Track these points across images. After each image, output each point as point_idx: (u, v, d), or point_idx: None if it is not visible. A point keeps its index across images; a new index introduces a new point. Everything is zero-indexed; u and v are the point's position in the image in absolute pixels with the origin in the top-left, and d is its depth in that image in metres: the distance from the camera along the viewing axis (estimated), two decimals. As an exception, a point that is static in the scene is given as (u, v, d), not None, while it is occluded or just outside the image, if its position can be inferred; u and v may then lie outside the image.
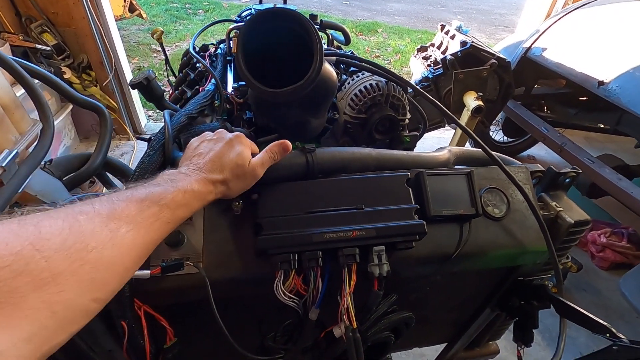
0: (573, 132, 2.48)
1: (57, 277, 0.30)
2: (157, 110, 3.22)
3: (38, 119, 0.58)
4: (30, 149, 0.54)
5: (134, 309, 0.49)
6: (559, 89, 2.37)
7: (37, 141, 0.56)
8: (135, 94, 2.75)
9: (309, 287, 0.52)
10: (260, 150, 0.55)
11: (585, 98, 2.25)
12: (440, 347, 1.00)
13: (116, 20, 2.63)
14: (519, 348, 0.71)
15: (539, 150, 2.96)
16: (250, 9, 1.22)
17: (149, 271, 0.48)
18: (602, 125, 2.25)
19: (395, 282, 0.60)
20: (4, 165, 0.48)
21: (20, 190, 0.51)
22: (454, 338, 0.93)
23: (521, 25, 3.23)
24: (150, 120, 3.05)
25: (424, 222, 0.55)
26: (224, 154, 0.51)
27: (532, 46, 2.11)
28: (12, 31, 2.17)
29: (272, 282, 0.51)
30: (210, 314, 0.51)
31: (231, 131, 0.75)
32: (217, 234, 0.54)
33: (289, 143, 0.55)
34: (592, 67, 1.79)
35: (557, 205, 0.69)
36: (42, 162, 0.60)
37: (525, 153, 2.96)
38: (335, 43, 1.26)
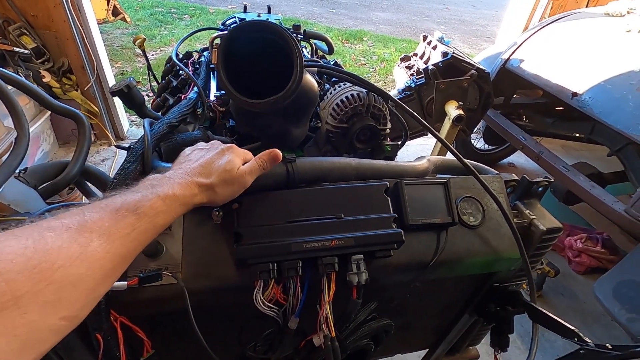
0: (550, 140, 2.56)
1: (19, 300, 0.29)
2: (141, 119, 3.17)
3: (12, 126, 0.57)
4: (4, 158, 0.53)
5: (110, 320, 0.48)
6: (536, 99, 2.45)
7: (11, 149, 0.55)
8: (117, 99, 2.70)
9: (288, 296, 0.52)
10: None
11: (561, 108, 2.34)
12: (422, 353, 1.01)
13: (99, 24, 2.59)
14: (496, 353, 0.72)
15: (519, 158, 3.05)
16: (235, 17, 1.23)
17: (126, 282, 0.47)
18: (577, 134, 2.34)
19: (374, 289, 0.61)
20: (-24, 174, 0.47)
21: (-7, 200, 0.50)
22: (435, 344, 0.94)
23: (501, 36, 3.34)
24: (133, 126, 3.00)
25: (402, 231, 0.56)
26: (213, 160, 0.51)
27: (511, 57, 2.19)
28: (-11, 33, 2.12)
29: (251, 292, 0.51)
30: (189, 324, 0.50)
31: (212, 140, 0.76)
32: (197, 243, 0.54)
33: (279, 152, 0.55)
34: (567, 79, 1.87)
35: (531, 213, 0.72)
36: (17, 171, 0.59)
37: (505, 160, 3.04)
38: (320, 52, 1.28)
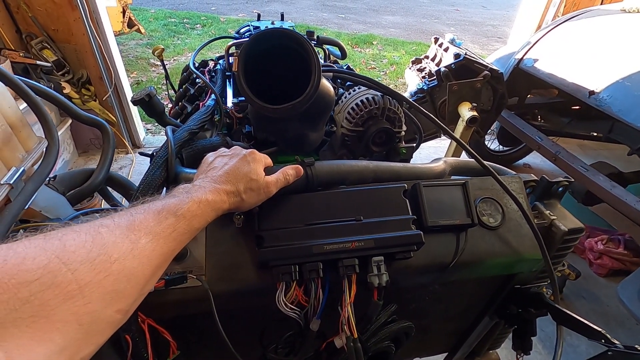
0: (567, 140, 2.51)
1: (83, 289, 0.30)
2: (156, 124, 3.24)
3: (43, 135, 0.60)
4: (35, 166, 0.56)
5: (138, 322, 0.49)
6: (551, 99, 2.41)
7: (42, 158, 0.58)
8: (134, 108, 2.77)
9: (310, 298, 0.53)
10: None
11: (577, 107, 2.30)
12: (441, 357, 1.00)
13: (115, 36, 2.67)
14: (519, 356, 0.71)
15: (535, 159, 3.00)
16: (249, 25, 1.26)
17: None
18: (595, 134, 2.29)
19: (394, 291, 0.61)
20: (11, 182, 0.49)
21: (27, 206, 0.52)
22: (455, 347, 0.93)
23: (513, 36, 3.30)
24: (149, 134, 3.07)
25: (421, 233, 0.56)
26: (238, 167, 0.52)
27: (524, 57, 2.16)
28: (13, 48, 2.20)
29: (273, 294, 0.52)
30: (212, 326, 0.51)
31: (231, 145, 0.77)
32: (220, 247, 0.55)
33: (302, 169, 0.58)
34: (583, 77, 1.83)
35: (551, 213, 0.71)
36: (47, 179, 0.61)
37: (521, 161, 2.99)
38: (332, 57, 1.29)
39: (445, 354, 0.98)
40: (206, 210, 0.46)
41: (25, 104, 0.56)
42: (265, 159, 0.57)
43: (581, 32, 2.08)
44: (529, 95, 2.36)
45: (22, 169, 0.51)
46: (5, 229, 0.49)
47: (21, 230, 0.57)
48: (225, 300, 0.54)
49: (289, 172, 0.56)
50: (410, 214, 0.59)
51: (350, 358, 0.51)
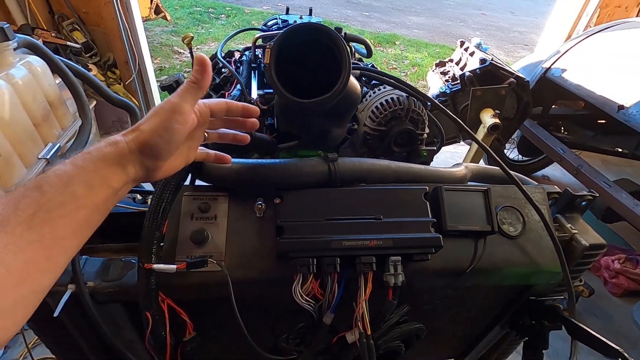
0: (590, 154, 2.45)
1: None
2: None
3: (78, 116, 0.62)
4: (69, 144, 0.58)
5: (158, 301, 0.51)
6: (577, 111, 2.36)
7: (75, 136, 0.60)
8: (156, 94, 2.82)
9: (325, 291, 0.53)
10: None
11: (604, 121, 2.24)
12: (447, 362, 1.00)
13: (143, 21, 2.72)
14: (528, 368, 0.71)
15: (554, 171, 2.93)
16: (277, 18, 1.26)
17: (175, 266, 0.50)
18: (620, 149, 2.22)
19: (408, 292, 0.61)
20: (48, 157, 0.51)
21: (60, 182, 0.54)
22: (463, 353, 0.92)
23: (541, 45, 3.22)
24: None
25: (440, 236, 0.56)
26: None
27: (552, 67, 2.11)
28: (45, 28, 2.27)
29: (289, 285, 0.53)
30: (228, 312, 0.52)
31: (255, 136, 0.78)
32: (240, 235, 0.56)
33: (206, 57, 0.46)
34: (613, 91, 1.78)
35: (573, 227, 0.70)
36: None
37: (539, 173, 2.93)
38: (357, 55, 1.29)
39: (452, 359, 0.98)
40: (87, 165, 0.37)
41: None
42: (203, 105, 0.46)
43: (614, 44, 2.01)
44: (553, 106, 2.31)
45: (58, 145, 0.53)
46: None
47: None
48: (242, 287, 0.55)
49: (193, 73, 0.44)
50: (430, 216, 0.59)
51: (363, 354, 0.52)
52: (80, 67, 0.62)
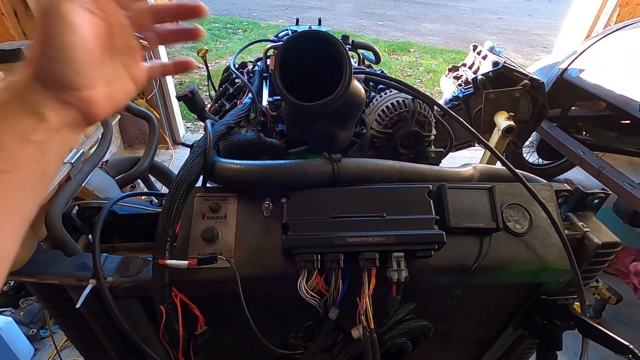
0: (615, 156, 2.36)
1: None
2: (195, 123, 3.40)
3: (100, 124, 0.67)
4: (92, 150, 0.62)
5: (171, 295, 0.54)
6: (598, 111, 2.29)
7: (98, 143, 0.65)
8: (176, 107, 2.94)
9: (330, 287, 0.55)
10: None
11: (627, 121, 2.16)
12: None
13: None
14: (542, 370, 0.69)
15: (577, 174, 2.84)
16: (287, 29, 1.31)
17: (186, 262, 0.53)
18: (646, 150, 2.14)
19: (415, 291, 0.62)
20: (72, 162, 0.55)
21: (83, 184, 0.58)
22: (476, 357, 0.91)
23: (558, 46, 3.16)
24: (188, 132, 3.24)
25: (443, 232, 0.57)
26: None
27: (569, 67, 2.07)
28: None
29: (295, 280, 0.54)
30: (238, 308, 0.55)
31: (265, 141, 0.81)
32: (248, 232, 0.59)
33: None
34: (634, 90, 1.73)
35: (585, 225, 0.69)
36: (100, 162, 0.68)
37: (562, 176, 2.84)
38: (366, 62, 1.31)
39: (466, 364, 0.96)
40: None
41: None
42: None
43: (634, 42, 1.96)
44: (572, 107, 2.25)
45: (81, 150, 0.57)
46: (64, 203, 0.55)
47: (76, 207, 0.64)
48: (251, 283, 0.57)
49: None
50: (434, 214, 0.60)
51: (366, 347, 0.53)
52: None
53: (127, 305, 0.60)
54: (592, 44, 2.08)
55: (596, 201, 0.72)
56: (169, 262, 0.53)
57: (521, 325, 0.72)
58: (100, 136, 0.65)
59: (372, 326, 0.54)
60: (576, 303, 0.68)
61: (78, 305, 0.50)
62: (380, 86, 0.98)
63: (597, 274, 0.74)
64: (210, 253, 0.56)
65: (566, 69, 2.07)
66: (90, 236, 0.63)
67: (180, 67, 0.45)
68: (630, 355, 0.49)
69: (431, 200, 0.61)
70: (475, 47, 1.94)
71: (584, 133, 2.34)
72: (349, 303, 0.57)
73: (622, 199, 1.78)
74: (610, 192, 0.71)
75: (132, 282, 0.56)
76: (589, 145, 2.05)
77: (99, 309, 0.59)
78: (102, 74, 0.35)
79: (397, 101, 0.82)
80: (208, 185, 0.64)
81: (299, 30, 1.26)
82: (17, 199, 0.31)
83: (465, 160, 2.96)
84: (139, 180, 0.99)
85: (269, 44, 1.15)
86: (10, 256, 0.31)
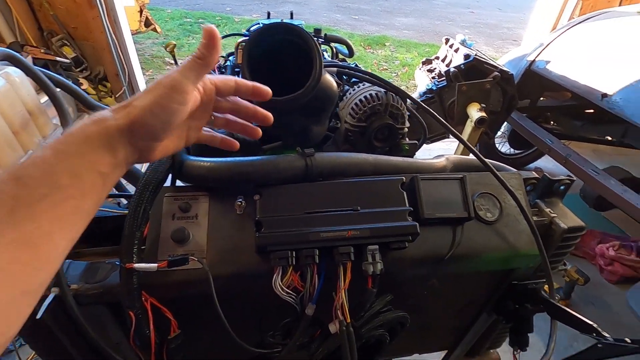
0: (581, 144, 2.48)
1: None
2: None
3: (59, 124, 0.63)
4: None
5: (141, 300, 0.52)
6: (564, 101, 2.38)
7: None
8: (148, 105, 2.84)
9: (305, 283, 0.54)
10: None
11: (591, 110, 2.26)
12: (441, 355, 1.01)
13: (132, 34, 2.74)
14: (515, 352, 0.72)
15: (547, 163, 2.95)
16: (258, 23, 1.28)
17: (156, 264, 0.51)
18: (609, 138, 2.25)
19: (391, 284, 0.63)
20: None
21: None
22: (454, 344, 0.93)
23: (527, 38, 3.26)
24: (161, 130, 3.14)
25: (417, 224, 0.57)
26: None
27: (537, 59, 2.14)
28: (35, 44, 2.29)
29: (271, 278, 0.54)
30: (211, 308, 0.53)
31: (237, 138, 0.80)
32: (221, 232, 0.57)
33: (216, 31, 0.43)
34: (596, 80, 1.81)
35: (552, 211, 0.71)
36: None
37: (532, 165, 2.95)
38: (340, 56, 1.31)
39: (444, 352, 0.98)
40: (72, 146, 0.33)
41: (46, 97, 0.59)
42: (215, 79, 0.44)
43: (596, 34, 2.05)
44: (541, 98, 2.34)
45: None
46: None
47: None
48: (225, 283, 0.56)
49: (200, 47, 0.40)
50: (407, 206, 0.60)
51: (342, 341, 0.53)
52: (59, 76, 0.63)
53: (95, 312, 0.57)
54: (557, 36, 2.16)
55: (562, 187, 0.74)
56: (137, 265, 0.50)
57: (495, 311, 0.74)
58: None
59: (349, 320, 0.53)
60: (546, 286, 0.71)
61: (39, 316, 0.47)
62: (354, 79, 0.97)
63: (565, 257, 0.77)
64: (181, 254, 0.54)
65: (534, 60, 2.14)
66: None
67: (225, 145, 0.53)
68: (595, 334, 0.52)
69: (404, 192, 0.61)
70: (447, 41, 1.98)
71: (551, 123, 2.44)
72: (325, 298, 0.56)
73: (587, 184, 1.87)
74: (575, 178, 0.74)
75: (98, 289, 0.53)
76: (556, 134, 2.14)
77: (65, 318, 0.56)
78: (174, 132, 0.43)
79: (370, 94, 0.82)
80: (178, 184, 0.62)
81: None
82: (76, 223, 0.35)
83: (440, 151, 3.00)
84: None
85: (240, 38, 1.12)
86: (55, 271, 0.34)
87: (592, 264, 2.16)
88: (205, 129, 0.50)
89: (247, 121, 0.52)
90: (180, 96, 0.38)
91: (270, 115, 0.51)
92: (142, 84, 2.73)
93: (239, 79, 0.47)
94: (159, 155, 0.43)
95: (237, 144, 0.53)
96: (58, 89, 0.65)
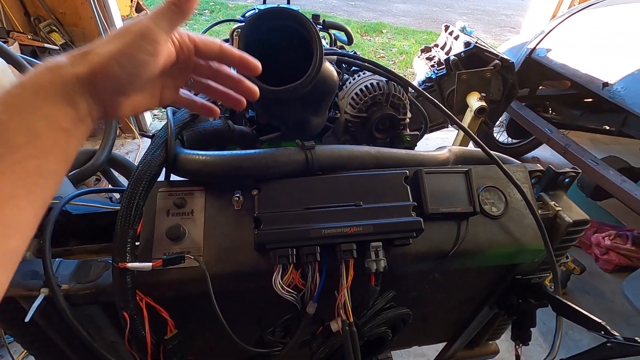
0: (579, 133, 2.46)
1: None
2: (163, 110, 3.25)
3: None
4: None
5: (136, 300, 0.50)
6: (563, 90, 2.36)
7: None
8: (141, 93, 2.78)
9: (306, 281, 0.53)
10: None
11: (590, 99, 2.25)
12: (440, 347, 1.00)
13: (123, 20, 2.66)
14: (517, 347, 0.71)
15: (544, 152, 2.95)
16: (254, 9, 1.24)
17: (150, 264, 0.49)
18: (607, 127, 2.24)
19: (393, 279, 0.61)
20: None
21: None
22: (454, 337, 0.93)
23: (526, 26, 3.22)
24: (155, 119, 3.08)
25: (421, 219, 0.56)
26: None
27: (537, 47, 2.11)
28: (21, 30, 2.21)
29: (271, 277, 0.52)
30: (210, 307, 0.52)
31: (233, 129, 0.77)
32: (218, 229, 0.55)
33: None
34: (597, 69, 1.78)
35: (556, 204, 0.70)
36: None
37: (529, 155, 2.95)
38: (338, 43, 1.27)
39: (444, 343, 0.98)
40: (24, 102, 0.29)
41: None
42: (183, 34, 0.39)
43: (597, 22, 2.01)
44: (540, 87, 2.31)
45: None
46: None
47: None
48: (222, 281, 0.54)
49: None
50: (411, 200, 0.58)
51: (345, 342, 0.51)
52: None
53: (89, 312, 0.55)
54: (558, 24, 2.12)
55: (567, 180, 0.73)
56: (130, 265, 0.48)
57: (497, 306, 0.73)
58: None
59: (352, 319, 0.52)
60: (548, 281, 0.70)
61: (27, 319, 0.45)
62: (354, 68, 0.94)
63: (568, 250, 0.76)
64: (176, 252, 0.52)
65: (534, 48, 2.11)
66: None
67: (204, 110, 0.48)
68: (604, 332, 0.51)
69: (408, 187, 0.59)
70: (447, 28, 1.93)
71: (550, 112, 2.42)
72: (327, 294, 0.55)
73: (585, 174, 1.86)
74: (580, 171, 0.73)
75: (90, 289, 0.51)
76: (555, 123, 2.12)
77: (57, 319, 0.54)
78: (145, 87, 0.39)
79: (371, 83, 0.79)
80: (172, 179, 0.59)
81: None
82: (41, 184, 0.31)
83: (439, 141, 3.00)
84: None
85: (235, 25, 1.08)
86: (29, 237, 0.31)
87: (587, 253, 2.17)
88: (183, 91, 0.46)
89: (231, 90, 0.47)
90: (150, 46, 0.34)
91: (256, 89, 0.47)
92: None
93: (225, 45, 0.42)
94: (127, 111, 0.38)
95: (218, 110, 0.48)
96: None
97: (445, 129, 2.10)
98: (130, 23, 0.34)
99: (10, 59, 0.54)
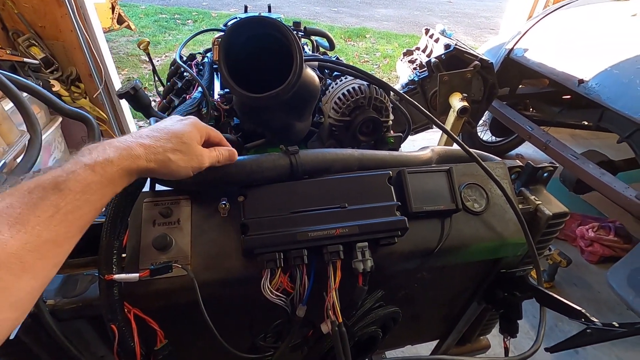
0: (559, 130, 2.53)
1: None
2: (147, 120, 3.22)
3: (26, 130, 0.59)
4: (18, 159, 0.55)
5: (124, 312, 0.50)
6: (542, 88, 2.42)
7: (24, 151, 0.57)
8: (125, 105, 2.75)
9: (295, 284, 0.53)
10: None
11: (568, 96, 2.31)
12: (433, 345, 1.02)
13: (105, 32, 2.64)
14: (505, 339, 0.72)
15: (527, 149, 3.02)
16: (236, 17, 1.25)
17: (137, 274, 0.49)
18: (586, 123, 2.30)
19: (382, 278, 0.62)
20: (-8, 174, 0.49)
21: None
22: (445, 334, 0.94)
23: (504, 27, 3.30)
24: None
25: (406, 218, 0.57)
26: (171, 125, 0.47)
27: (515, 47, 2.17)
28: (0, 46, 2.17)
29: (259, 282, 0.52)
30: (199, 315, 0.52)
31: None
32: (205, 236, 0.55)
33: (236, 154, 0.56)
34: (573, 66, 1.84)
35: (536, 198, 0.72)
36: (31, 172, 0.61)
37: (513, 152, 3.01)
38: (321, 49, 1.29)
39: (436, 341, 0.99)
40: (107, 173, 0.38)
41: (12, 104, 0.55)
42: (208, 130, 0.53)
43: (571, 21, 2.08)
44: (520, 86, 2.37)
45: (2, 161, 0.51)
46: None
47: None
48: (211, 289, 0.54)
49: (223, 152, 0.53)
50: (395, 200, 0.59)
51: (335, 343, 0.52)
52: (24, 79, 0.59)
53: (76, 327, 0.54)
54: (534, 24, 2.19)
55: (546, 174, 0.75)
56: (117, 276, 0.48)
57: (484, 300, 0.75)
58: (27, 143, 0.58)
59: (340, 320, 0.53)
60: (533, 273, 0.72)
61: (12, 337, 0.45)
62: (336, 73, 0.96)
63: (550, 243, 0.78)
64: (164, 262, 0.52)
65: (512, 49, 2.17)
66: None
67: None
68: (584, 319, 0.52)
69: (392, 187, 0.60)
70: (427, 31, 1.97)
71: (531, 109, 2.48)
72: (316, 297, 0.55)
73: (567, 169, 1.91)
74: (558, 165, 0.75)
75: (77, 303, 0.51)
76: (535, 120, 2.18)
77: (44, 334, 0.53)
78: None
79: (353, 88, 0.80)
80: (158, 188, 0.59)
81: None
82: (87, 226, 0.39)
83: (424, 142, 3.04)
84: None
85: (218, 34, 1.09)
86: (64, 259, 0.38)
87: (573, 245, 2.22)
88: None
89: None
90: (199, 168, 0.50)
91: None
92: (117, 84, 2.63)
93: (224, 155, 0.54)
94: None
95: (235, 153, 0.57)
96: (24, 93, 0.61)
97: (431, 130, 2.14)
98: (195, 150, 0.48)
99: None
